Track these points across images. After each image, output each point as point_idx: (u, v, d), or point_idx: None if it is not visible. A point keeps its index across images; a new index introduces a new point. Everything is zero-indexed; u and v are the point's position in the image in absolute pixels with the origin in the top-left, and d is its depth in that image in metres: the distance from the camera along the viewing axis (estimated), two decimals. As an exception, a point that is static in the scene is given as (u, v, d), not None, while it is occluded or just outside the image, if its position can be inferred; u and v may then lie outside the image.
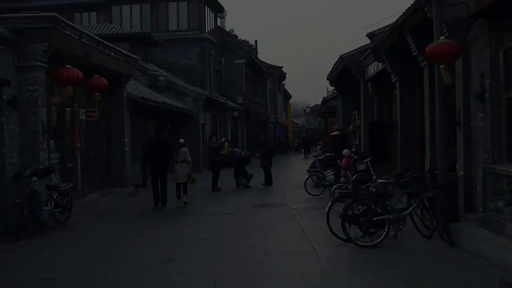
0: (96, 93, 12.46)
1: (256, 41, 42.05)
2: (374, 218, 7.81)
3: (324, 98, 26.99)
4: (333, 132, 23.15)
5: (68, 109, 12.60)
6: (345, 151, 14.14)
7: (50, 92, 11.50)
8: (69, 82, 10.74)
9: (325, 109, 28.09)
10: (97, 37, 12.38)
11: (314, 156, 20.51)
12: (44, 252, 8.09)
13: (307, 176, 15.12)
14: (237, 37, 33.59)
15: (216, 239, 8.79)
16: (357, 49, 17.23)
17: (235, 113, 31.74)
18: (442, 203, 8.00)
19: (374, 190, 8.42)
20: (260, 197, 14.62)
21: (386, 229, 7.77)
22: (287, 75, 50.20)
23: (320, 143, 53.29)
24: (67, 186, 10.53)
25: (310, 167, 16.67)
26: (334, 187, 12.75)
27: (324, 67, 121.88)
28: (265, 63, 41.25)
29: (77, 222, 10.69)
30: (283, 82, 51.40)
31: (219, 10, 32.84)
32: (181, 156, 13.15)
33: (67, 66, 10.66)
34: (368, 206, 7.98)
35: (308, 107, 71.88)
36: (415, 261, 7.06)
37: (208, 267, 6.91)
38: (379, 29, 13.45)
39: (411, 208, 8.08)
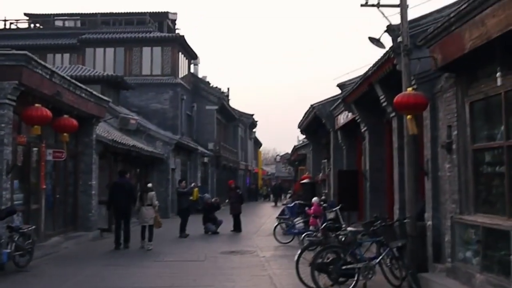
0: (65, 134, 12.23)
1: (228, 88, 42.65)
2: (344, 267, 7.71)
3: (294, 146, 27.20)
4: (302, 180, 23.23)
5: (35, 149, 12.28)
6: (314, 199, 14.11)
7: (17, 131, 11.22)
8: (38, 121, 10.54)
9: (295, 157, 28.25)
10: (68, 77, 12.26)
11: (283, 204, 20.46)
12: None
13: (276, 224, 14.96)
14: (210, 83, 33.90)
15: (182, 287, 8.50)
16: (327, 99, 17.57)
17: (206, 159, 31.60)
18: (411, 252, 7.98)
19: (343, 238, 8.35)
20: (228, 244, 14.34)
21: (355, 278, 7.66)
22: (258, 123, 50.60)
23: (289, 191, 53.62)
24: (29, 229, 10.10)
25: (279, 215, 16.55)
26: (303, 235, 12.62)
27: (296, 115, 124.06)
28: (237, 110, 41.60)
29: (37, 266, 10.20)
30: (254, 130, 51.68)
31: (193, 57, 33.24)
32: (148, 200, 13.31)
33: (36, 105, 10.48)
34: (337, 254, 7.89)
35: (278, 155, 72.53)
36: (385, 311, 6.94)
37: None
38: (350, 80, 13.75)
39: (380, 257, 8.01)
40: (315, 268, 7.66)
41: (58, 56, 29.01)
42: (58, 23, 33.41)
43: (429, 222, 8.33)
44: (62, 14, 34.22)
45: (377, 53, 9.53)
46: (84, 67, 25.12)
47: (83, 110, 13.55)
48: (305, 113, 19.32)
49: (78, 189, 14.98)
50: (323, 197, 15.89)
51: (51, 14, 33.76)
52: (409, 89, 7.90)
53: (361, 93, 11.32)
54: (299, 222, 14.09)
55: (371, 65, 9.95)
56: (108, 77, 24.48)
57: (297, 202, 16.83)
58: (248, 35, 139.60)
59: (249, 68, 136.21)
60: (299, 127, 23.34)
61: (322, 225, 12.48)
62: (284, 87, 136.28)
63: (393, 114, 9.95)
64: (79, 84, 13.12)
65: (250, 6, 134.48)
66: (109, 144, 15.81)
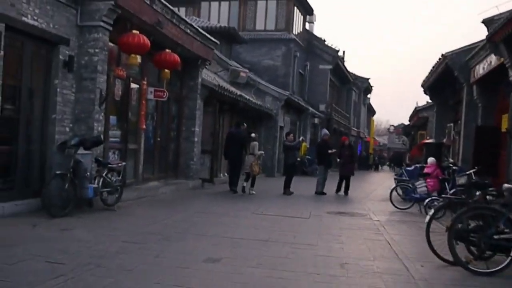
0: (166, 70, 11.11)
1: (344, 52, 40.07)
2: (496, 237, 5.62)
3: (415, 108, 24.29)
4: (421, 144, 20.63)
5: (135, 85, 11.33)
6: (430, 159, 11.81)
7: (116, 63, 10.28)
8: (135, 49, 9.44)
9: (415, 121, 25.38)
10: (171, 8, 11.02)
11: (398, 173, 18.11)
12: (73, 233, 6.66)
13: (393, 187, 12.84)
14: (325, 41, 31.65)
15: (279, 242, 6.96)
16: (462, 47, 14.80)
17: (316, 120, 29.76)
18: None
19: (493, 199, 6.20)
20: (336, 205, 12.57)
21: (511, 254, 5.55)
22: (373, 88, 47.38)
23: (403, 164, 50.09)
24: (120, 165, 9.13)
25: (397, 177, 14.42)
26: (426, 201, 10.48)
27: (413, 86, 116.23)
28: (351, 73, 38.95)
29: (128, 207, 9.29)
30: (368, 96, 48.59)
31: (308, 12, 31.15)
32: (250, 149, 13.81)
33: (134, 31, 9.37)
34: (485, 220, 5.81)
35: (392, 125, 68.37)
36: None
37: (259, 272, 5.10)
38: (500, 14, 11.03)
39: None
40: (455, 235, 5.67)
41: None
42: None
43: None
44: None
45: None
46: (196, 18, 24.27)
47: (187, 48, 12.35)
48: (434, 66, 16.63)
49: (180, 135, 14.04)
50: (451, 160, 13.42)
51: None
52: None
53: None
54: (421, 185, 11.87)
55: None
56: (221, 29, 23.39)
57: (417, 165, 14.54)
58: None
59: (366, 30, 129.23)
60: (422, 85, 20.52)
61: (450, 190, 10.28)
62: (404, 53, 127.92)
63: None
64: (183, 17, 11.89)
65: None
66: (215, 90, 14.59)
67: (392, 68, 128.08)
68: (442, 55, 15.21)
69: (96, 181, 8.43)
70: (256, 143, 14.01)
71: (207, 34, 13.65)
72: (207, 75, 15.51)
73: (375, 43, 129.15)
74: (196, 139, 14.21)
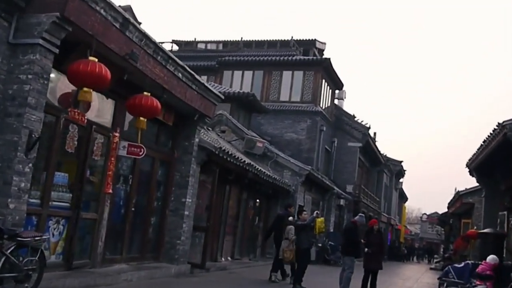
0: (141, 118, 8.41)
1: (375, 133, 36.88)
2: None
3: (458, 192, 20.77)
4: (468, 235, 17.00)
5: (100, 136, 8.63)
6: (490, 257, 8.39)
7: (73, 103, 7.65)
8: (89, 81, 6.76)
9: (457, 207, 21.74)
10: (154, 39, 8.48)
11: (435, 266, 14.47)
12: None
13: (440, 291, 9.31)
14: (355, 117, 29.01)
15: None
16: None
17: (342, 202, 26.38)
18: None
19: None
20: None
21: None
22: (406, 172, 43.85)
23: (436, 255, 45.19)
24: (38, 238, 6.10)
25: (442, 276, 10.92)
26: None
27: (449, 172, 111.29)
28: (383, 154, 35.84)
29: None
30: (400, 180, 44.95)
31: (338, 86, 28.81)
32: (285, 233, 11.81)
33: (91, 58, 6.78)
34: None
35: (425, 214, 63.87)
36: None
37: None
38: None
39: None
40: None
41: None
42: (201, 45, 31.64)
43: None
44: (205, 41, 32.50)
45: None
46: (214, 84, 22.14)
47: (178, 96, 9.75)
48: (485, 140, 13.50)
49: (167, 206, 11.09)
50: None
51: (194, 40, 32.18)
52: None
53: None
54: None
55: None
56: (239, 95, 21.11)
57: (469, 261, 11.04)
58: (401, 72, 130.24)
59: (399, 114, 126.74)
60: (467, 165, 17.30)
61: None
62: (440, 134, 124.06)
63: None
64: (173, 56, 9.35)
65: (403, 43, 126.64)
66: (215, 154, 11.76)
67: (425, 153, 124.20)
68: (499, 124, 12.14)
69: (-9, 263, 5.45)
70: (291, 227, 11.67)
71: (207, 85, 11.07)
72: (208, 137, 12.79)
73: (409, 123, 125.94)
74: (187, 213, 11.22)
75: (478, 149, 14.84)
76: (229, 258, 15.43)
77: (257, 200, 18.26)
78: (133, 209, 9.78)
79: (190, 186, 11.28)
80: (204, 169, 12.16)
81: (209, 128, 17.36)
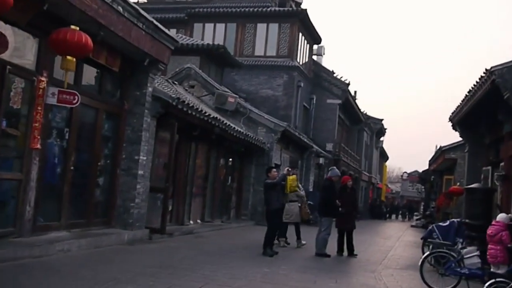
0: (68, 57, 6.86)
1: (355, 92, 35.40)
2: None
3: (440, 147, 19.65)
4: (451, 192, 15.98)
5: (21, 80, 7.08)
6: (501, 216, 7.20)
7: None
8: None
9: (439, 163, 20.69)
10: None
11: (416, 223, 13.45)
12: None
13: (425, 255, 8.10)
14: (334, 73, 27.50)
15: None
16: (515, 61, 10.47)
17: (321, 160, 25.21)
18: None
19: None
20: (347, 280, 7.97)
21: None
22: (386, 131, 42.87)
23: (416, 213, 44.76)
24: None
25: (425, 238, 9.81)
26: (488, 283, 5.90)
27: (427, 131, 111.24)
28: (363, 112, 34.60)
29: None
30: (381, 138, 43.99)
31: (315, 40, 27.18)
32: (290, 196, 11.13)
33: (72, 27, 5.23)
34: None
35: (406, 172, 63.56)
36: None
37: None
38: None
39: None
40: None
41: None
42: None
43: None
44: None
45: None
46: (181, 36, 20.42)
47: (120, 35, 8.17)
48: (473, 88, 12.18)
49: (117, 165, 9.67)
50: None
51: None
52: None
53: None
54: (471, 254, 7.28)
55: None
56: (209, 47, 19.46)
57: (456, 220, 9.92)
58: (387, 30, 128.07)
59: (381, 71, 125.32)
60: (450, 119, 16.10)
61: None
62: (419, 97, 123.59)
63: None
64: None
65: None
66: (173, 105, 10.26)
67: (404, 114, 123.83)
68: (487, 70, 10.81)
69: None
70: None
71: (158, 24, 9.47)
72: (167, 87, 11.29)
73: (390, 82, 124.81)
74: (141, 172, 9.82)
75: (462, 101, 13.56)
76: (198, 221, 14.20)
77: (230, 159, 16.94)
78: (72, 168, 8.33)
79: (144, 142, 9.86)
80: (162, 124, 10.71)
81: (175, 82, 15.85)
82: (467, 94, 13.21)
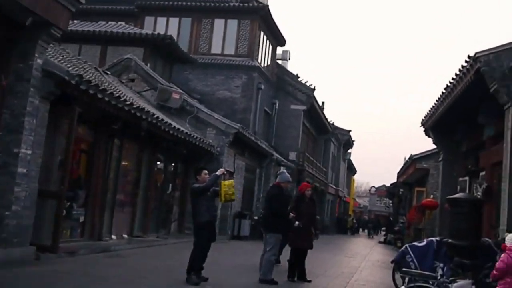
0: None
1: (323, 102, 33.28)
2: None
3: (411, 155, 17.46)
4: (424, 205, 13.87)
5: None
6: (510, 236, 4.95)
7: None
8: None
9: (409, 174, 18.62)
10: None
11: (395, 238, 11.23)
12: None
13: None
14: (298, 77, 25.41)
15: None
16: (502, 46, 8.44)
17: (283, 170, 22.85)
18: None
19: None
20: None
21: None
22: (354, 143, 41.02)
23: (383, 228, 42.65)
24: None
25: (396, 262, 7.52)
26: None
27: (394, 148, 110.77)
28: (330, 122, 32.60)
29: None
30: (349, 151, 42.08)
31: (279, 42, 25.05)
32: None
33: None
34: None
35: (373, 186, 62.11)
36: None
37: None
38: None
39: None
40: None
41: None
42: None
43: None
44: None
45: None
46: (123, 25, 17.97)
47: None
48: (452, 81, 10.05)
49: (-12, 160, 7.10)
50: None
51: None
52: None
53: None
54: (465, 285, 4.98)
55: None
56: (154, 37, 17.01)
57: (435, 239, 7.67)
58: (352, 40, 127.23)
59: (349, 85, 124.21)
60: (423, 124, 14.09)
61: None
62: (387, 112, 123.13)
63: None
64: None
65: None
66: (70, 83, 7.70)
67: (374, 129, 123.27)
68: (470, 57, 8.69)
69: None
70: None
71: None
72: (78, 67, 8.78)
73: (359, 98, 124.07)
74: (24, 170, 7.26)
75: (437, 100, 11.53)
76: (125, 235, 11.63)
77: (172, 164, 14.46)
78: None
79: (29, 131, 7.32)
80: (63, 111, 8.20)
81: (107, 72, 13.38)
82: (444, 91, 11.16)
